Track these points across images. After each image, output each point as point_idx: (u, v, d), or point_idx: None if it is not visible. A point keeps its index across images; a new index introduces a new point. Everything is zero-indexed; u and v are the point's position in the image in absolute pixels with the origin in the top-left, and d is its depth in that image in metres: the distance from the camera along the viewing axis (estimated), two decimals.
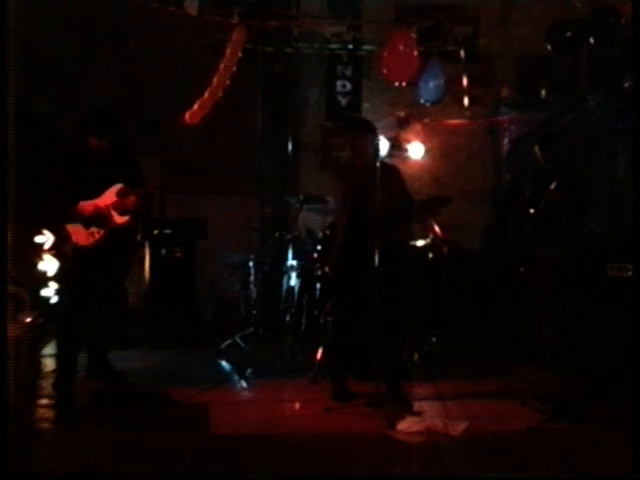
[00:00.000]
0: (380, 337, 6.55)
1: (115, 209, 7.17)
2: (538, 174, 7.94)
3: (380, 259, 6.52)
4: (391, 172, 6.93)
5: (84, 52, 8.75)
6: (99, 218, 7.14)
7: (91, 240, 7.14)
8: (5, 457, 4.89)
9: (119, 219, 7.20)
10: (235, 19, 8.23)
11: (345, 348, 7.06)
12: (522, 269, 8.06)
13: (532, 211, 7.64)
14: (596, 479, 5.45)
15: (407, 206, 7.03)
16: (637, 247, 5.34)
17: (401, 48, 8.78)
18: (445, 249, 8.42)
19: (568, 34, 8.30)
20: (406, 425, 6.25)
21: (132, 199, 7.18)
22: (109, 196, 7.18)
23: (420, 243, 8.45)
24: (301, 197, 8.79)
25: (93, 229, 7.14)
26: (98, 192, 7.17)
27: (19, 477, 5.07)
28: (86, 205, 7.12)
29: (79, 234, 7.16)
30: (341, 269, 7.04)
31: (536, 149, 8.00)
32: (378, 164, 6.63)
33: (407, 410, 6.65)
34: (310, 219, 9.15)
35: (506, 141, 10.32)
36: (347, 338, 7.05)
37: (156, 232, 9.20)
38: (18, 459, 5.22)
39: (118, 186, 7.20)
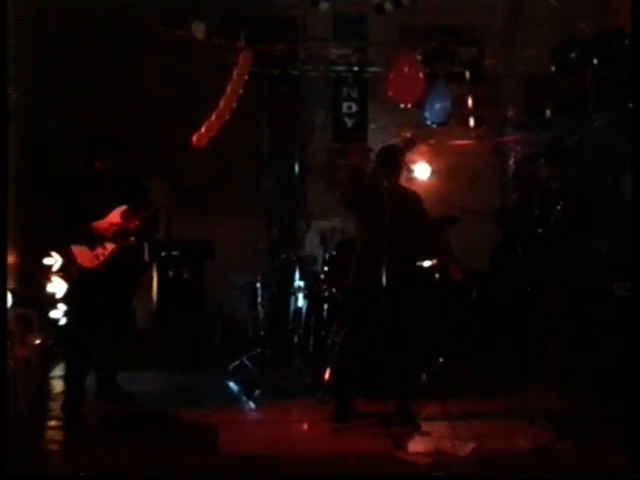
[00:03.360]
0: (388, 357, 6.62)
1: (119, 231, 7.20)
2: (545, 194, 7.96)
3: (393, 280, 6.60)
4: (410, 197, 7.08)
5: (93, 75, 8.86)
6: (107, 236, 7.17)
7: (96, 262, 7.15)
8: (6, 457, 4.90)
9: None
10: (242, 42, 8.31)
11: (351, 368, 7.09)
12: (529, 289, 8.07)
13: (540, 230, 7.66)
14: (596, 479, 5.45)
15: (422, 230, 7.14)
16: (637, 262, 5.35)
17: (406, 70, 8.82)
18: None
19: (572, 55, 8.35)
20: (414, 445, 6.26)
21: (135, 221, 7.22)
22: (113, 218, 7.21)
23: (427, 263, 8.47)
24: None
25: (98, 251, 7.16)
26: (103, 214, 7.19)
27: (20, 478, 5.08)
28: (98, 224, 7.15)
29: (84, 256, 7.18)
30: (356, 288, 7.07)
31: (542, 169, 8.03)
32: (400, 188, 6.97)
33: (415, 430, 6.67)
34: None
35: (512, 161, 10.37)
36: (353, 358, 7.09)
37: (164, 254, 9.24)
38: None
39: (122, 208, 7.23)
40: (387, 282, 6.59)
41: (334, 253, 8.62)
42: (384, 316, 6.59)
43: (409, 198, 7.07)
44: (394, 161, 7.07)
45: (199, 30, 8.16)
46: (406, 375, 7.03)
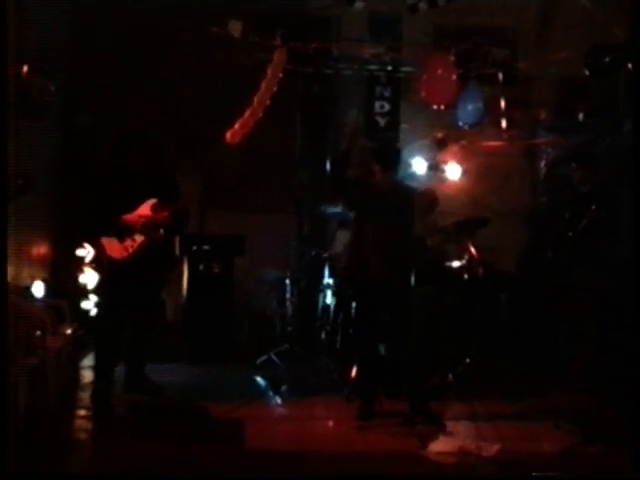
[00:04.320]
0: (401, 355, 6.89)
1: (148, 223, 7.29)
2: (576, 197, 7.96)
3: (387, 274, 6.83)
4: (407, 195, 7.22)
5: (129, 72, 8.95)
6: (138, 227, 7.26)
7: (125, 254, 7.23)
8: (6, 457, 4.96)
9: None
10: (277, 41, 8.35)
11: (373, 366, 7.19)
12: (558, 292, 8.07)
13: (570, 234, 7.66)
14: (596, 479, 5.46)
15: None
16: (637, 262, 5.35)
17: (440, 71, 8.83)
18: (481, 270, 8.44)
19: (606, 59, 8.30)
20: (439, 445, 6.29)
21: (165, 214, 7.31)
22: (143, 210, 7.29)
23: (456, 264, 8.48)
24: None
25: (127, 243, 7.24)
26: (133, 207, 7.28)
27: (20, 477, 5.15)
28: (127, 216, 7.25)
29: (113, 248, 7.26)
30: (349, 280, 7.40)
31: (574, 172, 8.04)
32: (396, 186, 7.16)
33: (439, 429, 6.70)
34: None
35: (543, 163, 10.35)
36: (372, 356, 7.21)
37: (195, 248, 9.31)
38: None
39: (152, 201, 7.32)
40: (380, 277, 6.85)
41: None
42: (382, 311, 6.95)
43: (405, 196, 7.19)
44: (390, 160, 7.24)
45: (235, 28, 8.22)
46: (417, 374, 7.10)
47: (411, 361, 7.01)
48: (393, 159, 7.31)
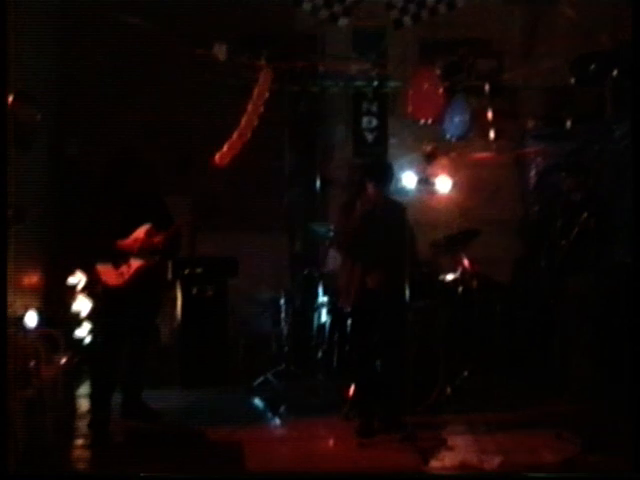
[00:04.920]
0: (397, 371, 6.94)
1: (143, 248, 7.26)
2: (567, 205, 7.96)
3: (386, 292, 6.93)
4: (398, 209, 7.26)
5: (116, 95, 8.95)
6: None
7: (121, 280, 7.21)
8: (7, 457, 4.93)
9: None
10: (262, 61, 8.35)
11: (370, 383, 7.19)
12: (553, 300, 8.06)
13: (563, 242, 7.65)
14: (596, 479, 5.43)
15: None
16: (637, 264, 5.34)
17: (426, 85, 8.85)
18: (475, 282, 8.43)
19: (592, 67, 8.32)
20: (440, 460, 6.26)
21: (160, 238, 7.28)
22: (138, 235, 7.26)
23: (450, 277, 8.47)
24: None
25: (123, 269, 7.22)
26: (127, 233, 7.26)
27: (20, 478, 5.11)
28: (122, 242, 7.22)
29: (109, 274, 7.23)
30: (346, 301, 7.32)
31: (564, 181, 8.04)
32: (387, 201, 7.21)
33: (439, 444, 6.67)
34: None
35: (533, 173, 10.35)
36: (369, 373, 7.21)
37: (187, 271, 9.27)
38: None
39: (146, 226, 7.30)
40: (377, 294, 6.94)
41: None
42: (378, 328, 7.00)
43: (398, 210, 7.24)
44: (383, 175, 7.27)
45: (221, 51, 8.23)
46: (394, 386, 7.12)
47: (395, 375, 7.04)
48: (386, 174, 7.29)
